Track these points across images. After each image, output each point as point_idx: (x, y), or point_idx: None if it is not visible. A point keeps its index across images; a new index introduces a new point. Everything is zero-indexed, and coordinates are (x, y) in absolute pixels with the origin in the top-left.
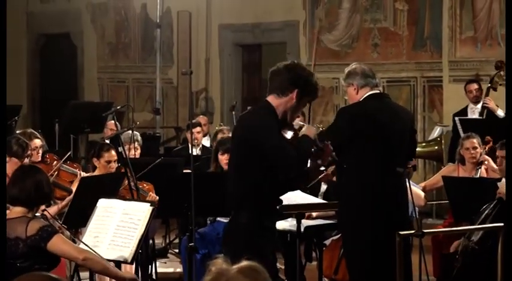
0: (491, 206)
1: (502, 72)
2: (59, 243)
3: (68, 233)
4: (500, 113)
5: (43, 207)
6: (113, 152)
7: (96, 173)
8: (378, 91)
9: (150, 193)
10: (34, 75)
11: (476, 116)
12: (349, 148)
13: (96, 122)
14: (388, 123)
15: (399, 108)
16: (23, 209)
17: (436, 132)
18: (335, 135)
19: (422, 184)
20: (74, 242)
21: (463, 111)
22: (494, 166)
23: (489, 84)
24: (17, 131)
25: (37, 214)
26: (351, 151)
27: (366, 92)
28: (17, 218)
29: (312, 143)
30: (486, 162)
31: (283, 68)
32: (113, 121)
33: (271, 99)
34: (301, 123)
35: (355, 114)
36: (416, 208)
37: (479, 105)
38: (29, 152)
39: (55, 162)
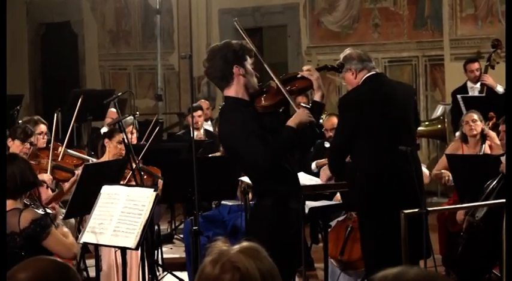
0: (495, 181)
1: (499, 51)
2: (52, 243)
3: (72, 220)
4: (500, 89)
5: (47, 195)
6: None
7: (106, 155)
8: (375, 72)
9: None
10: (35, 64)
11: (476, 94)
12: (356, 133)
13: (98, 110)
14: (390, 104)
15: (399, 86)
16: (11, 201)
17: (439, 111)
18: (345, 133)
19: (434, 169)
20: (79, 231)
21: (463, 89)
22: (498, 141)
23: (487, 63)
24: (20, 121)
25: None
26: (358, 135)
27: (364, 75)
28: (9, 211)
29: (295, 133)
30: (489, 137)
31: (208, 63)
32: (113, 109)
33: (227, 92)
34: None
35: (357, 101)
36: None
37: (479, 84)
38: (32, 139)
39: (60, 148)
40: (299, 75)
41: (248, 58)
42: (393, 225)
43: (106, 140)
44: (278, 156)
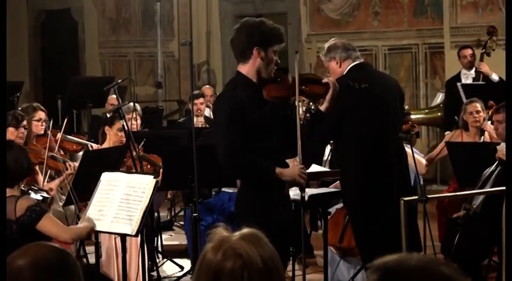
0: (491, 169)
1: (494, 38)
2: (47, 225)
3: (72, 207)
4: (495, 77)
5: (46, 184)
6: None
7: (107, 142)
8: (360, 62)
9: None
10: (35, 51)
11: (470, 81)
12: (347, 120)
13: (98, 97)
14: (379, 90)
15: (384, 75)
16: (8, 189)
17: (439, 98)
18: (331, 120)
19: (433, 152)
20: (79, 218)
21: (456, 78)
22: (495, 135)
23: (483, 50)
24: (19, 107)
25: (22, 188)
26: (348, 123)
27: (349, 65)
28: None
29: (270, 177)
30: (487, 130)
31: (235, 34)
32: (114, 96)
33: (240, 67)
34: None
35: (344, 87)
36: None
37: (473, 71)
38: (24, 122)
39: (58, 135)
40: (322, 80)
41: (274, 44)
42: (387, 215)
43: (106, 128)
44: (237, 166)
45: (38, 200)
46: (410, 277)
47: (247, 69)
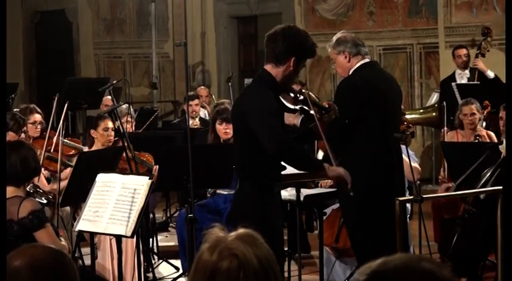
0: (491, 170)
1: (489, 39)
2: (44, 236)
3: (68, 208)
4: (490, 73)
5: (43, 181)
6: (108, 121)
7: (95, 144)
8: (368, 59)
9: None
10: (30, 52)
11: (464, 81)
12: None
13: (93, 98)
14: (386, 91)
15: (389, 75)
16: (14, 189)
17: (434, 98)
18: (352, 109)
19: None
20: (74, 219)
21: (451, 78)
22: (488, 139)
23: (477, 51)
24: (15, 109)
25: (28, 189)
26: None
27: (358, 61)
28: (10, 199)
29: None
30: (483, 136)
31: (279, 35)
32: (109, 97)
33: (270, 68)
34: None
35: (355, 87)
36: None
37: (467, 71)
38: (24, 127)
39: (55, 138)
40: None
41: (307, 59)
42: (383, 214)
43: (92, 131)
44: (286, 155)
45: (42, 204)
46: (394, 276)
47: (276, 71)
